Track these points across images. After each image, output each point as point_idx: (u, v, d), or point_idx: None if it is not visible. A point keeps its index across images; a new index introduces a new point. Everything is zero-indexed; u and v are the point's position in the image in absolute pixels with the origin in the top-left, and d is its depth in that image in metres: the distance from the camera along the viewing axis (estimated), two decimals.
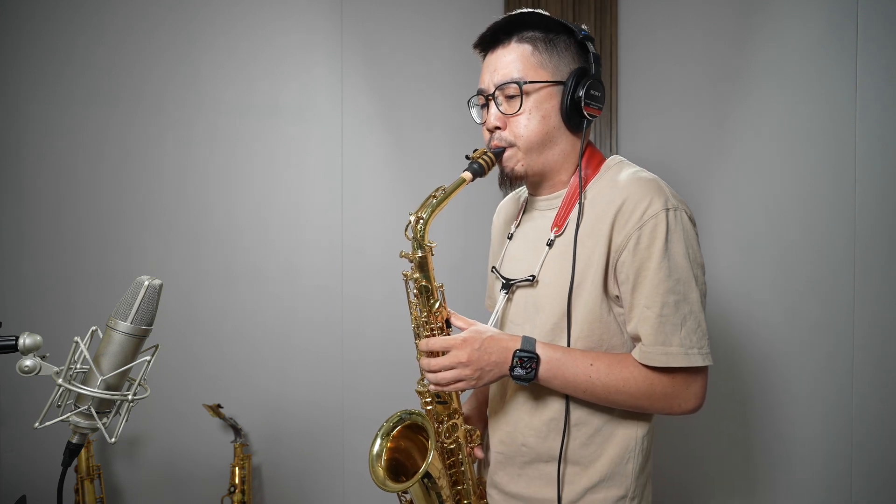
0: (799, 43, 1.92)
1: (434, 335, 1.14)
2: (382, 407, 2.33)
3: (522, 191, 1.36)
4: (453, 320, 1.16)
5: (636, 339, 1.11)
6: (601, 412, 1.15)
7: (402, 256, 1.15)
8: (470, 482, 1.24)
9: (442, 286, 1.16)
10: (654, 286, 1.06)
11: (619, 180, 1.14)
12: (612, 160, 1.21)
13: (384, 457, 1.22)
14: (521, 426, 1.19)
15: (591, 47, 1.17)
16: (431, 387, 1.14)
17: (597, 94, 1.15)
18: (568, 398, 1.14)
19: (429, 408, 1.21)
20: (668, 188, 1.11)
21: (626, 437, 1.15)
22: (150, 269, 2.20)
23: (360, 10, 2.34)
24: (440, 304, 1.15)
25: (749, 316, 2.00)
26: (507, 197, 1.44)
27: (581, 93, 1.13)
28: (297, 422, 2.31)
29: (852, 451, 1.86)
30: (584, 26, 1.19)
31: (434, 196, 1.13)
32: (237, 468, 2.16)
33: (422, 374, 1.19)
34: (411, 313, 1.17)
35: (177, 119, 2.24)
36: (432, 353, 1.13)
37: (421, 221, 1.12)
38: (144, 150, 2.23)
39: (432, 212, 1.11)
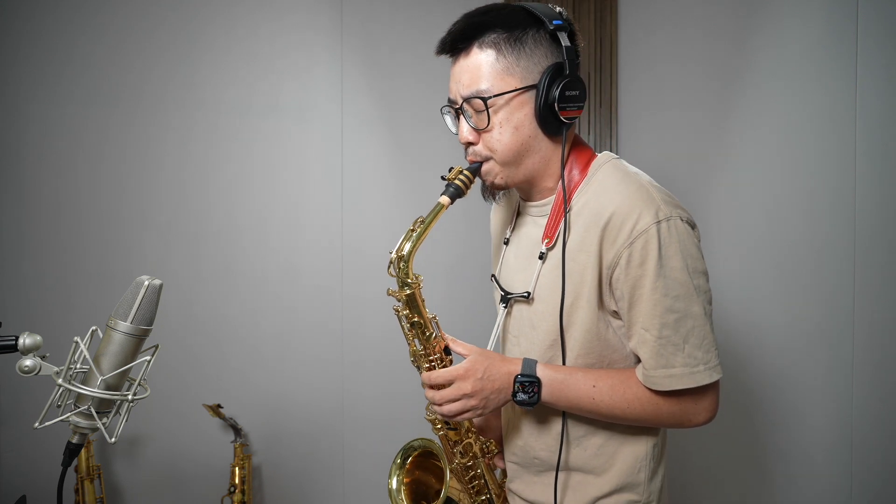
0: (799, 43, 1.92)
1: (433, 366, 1.11)
2: (382, 407, 2.35)
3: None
4: (452, 346, 1.12)
5: (638, 357, 1.07)
6: (607, 426, 1.12)
7: (389, 294, 1.12)
8: (493, 491, 1.24)
9: (435, 317, 1.12)
10: (651, 307, 1.01)
11: (607, 187, 1.06)
12: (602, 159, 1.12)
13: (404, 490, 1.21)
14: (532, 441, 1.18)
15: (563, 39, 1.04)
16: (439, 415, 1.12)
17: (574, 93, 1.04)
18: (565, 412, 1.12)
19: (441, 433, 1.19)
20: (659, 194, 1.03)
21: (636, 449, 1.12)
22: (150, 269, 2.19)
23: (361, 10, 2.34)
24: (436, 335, 1.12)
25: (749, 316, 2.00)
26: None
27: (555, 94, 1.03)
28: (297, 422, 2.31)
29: (852, 451, 1.86)
30: (559, 9, 1.06)
31: (413, 230, 1.08)
32: (237, 468, 2.16)
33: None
34: (408, 345, 1.14)
35: (177, 119, 2.24)
36: (435, 386, 1.09)
37: (402, 260, 1.08)
38: (144, 151, 2.23)
39: (413, 247, 1.07)
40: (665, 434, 1.19)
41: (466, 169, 1.10)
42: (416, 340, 1.12)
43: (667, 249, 1.00)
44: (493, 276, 1.29)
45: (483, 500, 1.22)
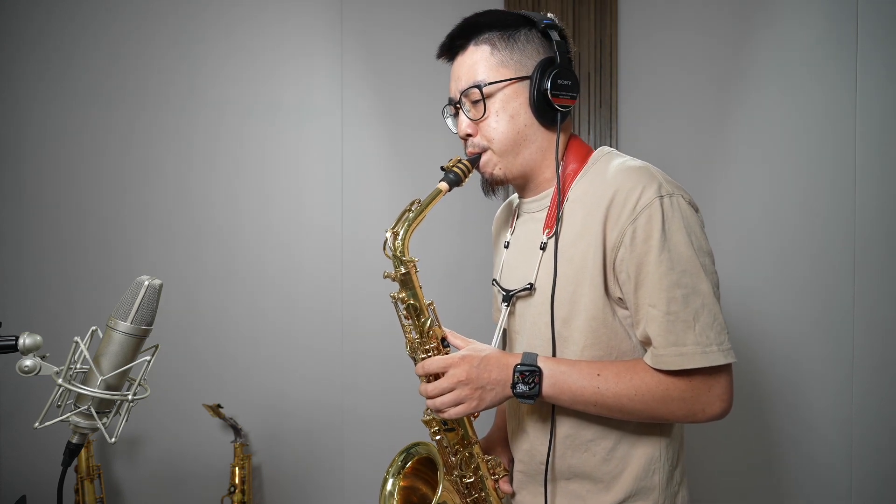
0: (799, 43, 1.92)
1: (430, 356, 1.06)
2: (382, 406, 2.35)
3: (515, 196, 1.29)
4: (450, 339, 1.10)
5: (646, 342, 1.01)
6: (618, 426, 1.06)
7: (385, 277, 1.08)
8: None
9: (432, 303, 1.09)
10: (657, 281, 0.96)
11: (608, 172, 1.05)
12: (600, 151, 1.13)
13: (397, 496, 1.13)
14: (538, 444, 1.12)
15: (554, 35, 1.08)
16: (435, 413, 1.06)
17: (566, 82, 1.07)
18: (553, 409, 1.07)
19: (437, 438, 1.13)
20: (660, 174, 1.03)
21: (649, 450, 1.06)
22: (150, 269, 2.20)
23: (360, 11, 2.34)
24: (432, 321, 1.07)
25: (749, 316, 2.00)
26: (503, 204, 1.37)
27: (547, 84, 1.05)
28: (297, 422, 2.31)
29: (852, 451, 1.86)
30: (549, 14, 1.11)
31: (409, 210, 1.07)
32: (237, 468, 2.16)
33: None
34: (405, 337, 1.09)
35: (177, 119, 2.24)
36: (430, 377, 1.05)
37: (398, 238, 1.05)
38: (145, 151, 2.23)
39: (409, 227, 1.05)
40: (681, 434, 1.13)
41: (465, 159, 1.11)
42: (413, 329, 1.07)
43: (670, 223, 0.97)
44: (493, 280, 1.26)
45: None
